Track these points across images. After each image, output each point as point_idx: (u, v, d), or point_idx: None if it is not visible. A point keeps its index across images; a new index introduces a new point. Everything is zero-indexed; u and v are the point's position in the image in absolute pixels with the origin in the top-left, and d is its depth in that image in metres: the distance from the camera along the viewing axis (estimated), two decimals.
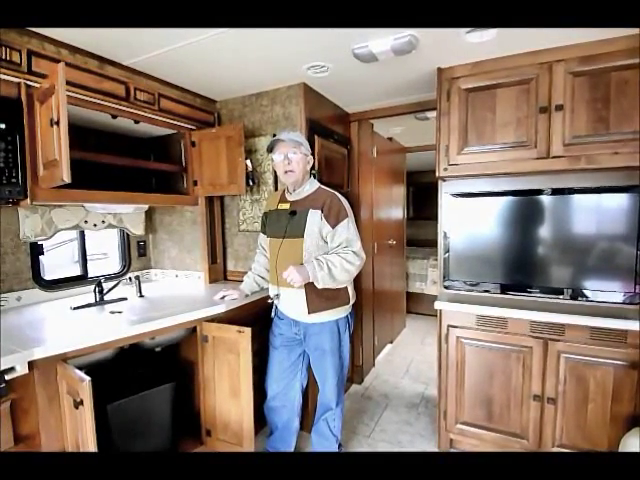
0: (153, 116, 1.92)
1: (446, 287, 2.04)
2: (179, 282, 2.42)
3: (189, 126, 2.15)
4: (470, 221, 1.99)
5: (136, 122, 1.88)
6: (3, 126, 1.34)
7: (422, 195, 5.64)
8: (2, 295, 1.71)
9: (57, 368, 1.26)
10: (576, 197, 1.76)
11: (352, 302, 1.75)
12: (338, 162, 2.53)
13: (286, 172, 1.64)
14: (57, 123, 1.24)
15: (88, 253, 2.25)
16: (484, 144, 1.86)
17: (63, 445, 1.30)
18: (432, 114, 2.66)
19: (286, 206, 1.70)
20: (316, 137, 2.20)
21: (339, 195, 1.66)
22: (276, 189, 2.21)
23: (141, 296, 1.97)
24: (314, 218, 1.59)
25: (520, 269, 1.90)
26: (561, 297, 1.79)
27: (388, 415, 2.45)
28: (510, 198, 1.90)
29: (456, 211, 2.01)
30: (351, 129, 2.78)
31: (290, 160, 1.61)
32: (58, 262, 2.70)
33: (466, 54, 1.79)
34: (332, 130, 2.46)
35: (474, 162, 1.88)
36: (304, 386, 1.87)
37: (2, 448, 1.15)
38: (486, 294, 1.95)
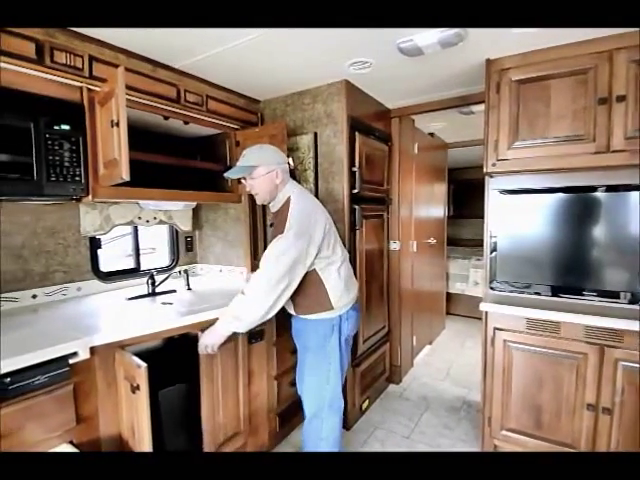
0: (201, 117, 1.99)
1: (492, 288, 1.95)
2: (223, 277, 2.50)
3: (234, 126, 2.22)
4: (519, 219, 1.90)
5: (185, 123, 1.96)
6: (68, 128, 1.45)
7: (463, 193, 5.45)
8: (65, 285, 1.85)
9: (115, 354, 1.35)
10: (633, 195, 1.62)
11: (340, 306, 1.57)
12: (378, 159, 2.50)
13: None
14: (117, 124, 1.32)
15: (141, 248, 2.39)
16: (536, 138, 1.77)
17: (119, 428, 1.39)
18: (478, 108, 2.56)
19: (272, 215, 1.64)
20: (357, 134, 2.20)
21: (297, 204, 1.48)
22: (317, 187, 2.23)
23: (189, 289, 2.06)
24: None
25: (572, 270, 1.78)
26: (618, 301, 1.66)
27: (427, 417, 2.40)
28: (561, 195, 1.78)
29: (504, 209, 1.92)
30: (392, 125, 2.74)
31: (251, 185, 1.56)
32: (111, 256, 2.87)
33: (516, 44, 1.70)
34: (373, 127, 2.43)
35: (525, 157, 1.79)
36: None
37: (65, 428, 1.24)
38: (536, 296, 1.84)
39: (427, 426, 2.30)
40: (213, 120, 2.07)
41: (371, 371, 2.51)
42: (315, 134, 2.20)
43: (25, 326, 1.44)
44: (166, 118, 1.87)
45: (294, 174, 2.20)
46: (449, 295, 4.41)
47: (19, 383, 1.12)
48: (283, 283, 1.39)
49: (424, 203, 3.26)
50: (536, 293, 1.84)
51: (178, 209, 2.31)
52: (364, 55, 1.80)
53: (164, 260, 2.54)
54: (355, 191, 2.18)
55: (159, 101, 1.77)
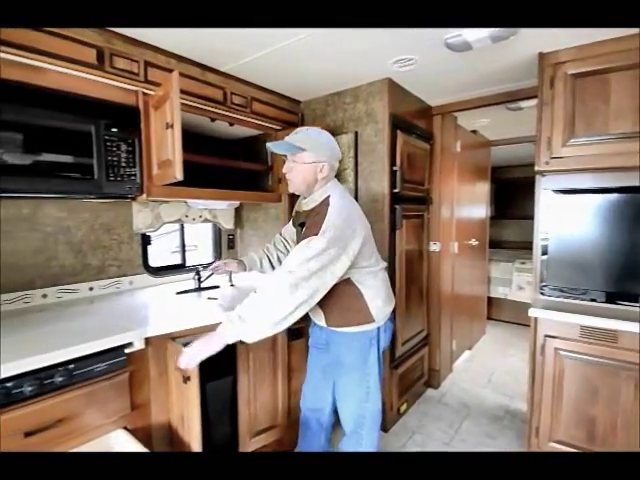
0: (246, 118, 2.05)
1: (543, 293, 1.86)
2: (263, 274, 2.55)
3: (275, 127, 2.25)
4: (572, 221, 1.79)
5: (230, 124, 2.02)
6: (125, 130, 1.53)
7: (506, 192, 5.22)
8: (118, 278, 1.96)
9: (168, 345, 1.42)
10: None
11: (381, 318, 1.46)
12: (420, 158, 2.46)
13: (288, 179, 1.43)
14: (172, 126, 1.39)
15: (176, 246, 2.50)
16: (593, 135, 1.66)
17: (169, 417, 1.46)
18: (527, 103, 2.46)
19: (302, 213, 1.48)
20: (399, 133, 2.16)
21: (337, 207, 1.31)
22: (356, 186, 2.22)
23: (232, 285, 2.12)
24: None
25: (631, 276, 1.66)
26: None
27: (468, 425, 2.32)
28: (619, 196, 1.66)
29: (557, 209, 1.82)
30: (434, 123, 2.67)
31: (290, 168, 1.39)
32: (158, 252, 3.01)
33: (572, 37, 1.61)
34: (414, 125, 2.38)
35: (580, 155, 1.69)
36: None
37: (121, 414, 1.31)
38: (591, 303, 1.73)
39: (468, 434, 2.23)
40: (257, 121, 2.11)
41: (409, 374, 2.47)
42: (355, 133, 2.20)
43: (84, 316, 1.54)
44: (213, 120, 1.94)
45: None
46: (490, 299, 4.24)
47: (82, 370, 1.21)
48: (307, 291, 1.20)
49: (466, 203, 3.15)
50: (592, 300, 1.73)
51: (222, 208, 2.39)
52: (409, 52, 1.77)
53: (206, 257, 2.63)
54: (396, 190, 2.15)
55: (207, 104, 1.83)
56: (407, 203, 2.28)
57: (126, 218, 1.97)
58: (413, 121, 2.37)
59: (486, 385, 2.86)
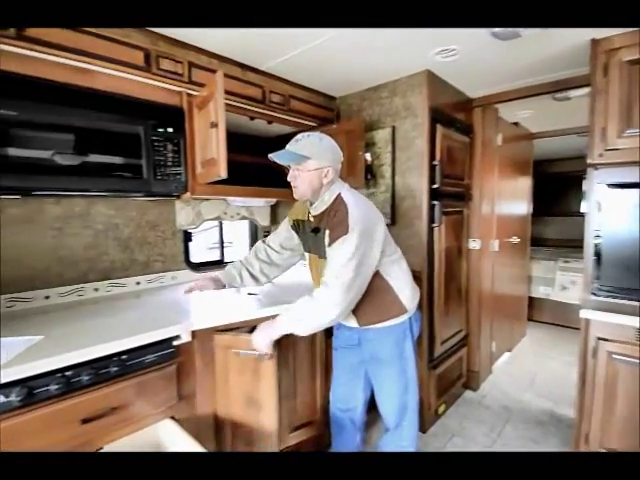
0: (284, 116, 2.07)
1: (595, 294, 1.75)
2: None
3: (312, 124, 2.26)
4: (629, 217, 1.67)
5: (269, 123, 2.05)
6: (170, 130, 1.59)
7: (548, 188, 4.96)
8: (162, 273, 2.04)
9: (214, 338, 1.47)
10: None
11: (412, 307, 1.48)
12: (460, 152, 2.38)
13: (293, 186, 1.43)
14: (216, 125, 1.42)
15: (217, 241, 2.56)
16: None
17: (214, 408, 1.50)
18: (576, 93, 2.33)
19: (312, 219, 1.47)
20: (438, 126, 2.11)
21: (352, 202, 1.32)
22: (393, 182, 2.18)
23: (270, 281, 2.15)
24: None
25: None
26: None
27: (510, 430, 2.24)
28: None
29: (611, 205, 1.70)
30: (474, 115, 2.58)
31: (294, 176, 1.39)
32: (196, 248, 3.10)
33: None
34: (454, 118, 2.31)
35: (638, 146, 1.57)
36: (368, 398, 1.67)
37: (169, 404, 1.36)
38: None
39: (510, 438, 2.15)
40: (294, 119, 2.13)
41: (448, 375, 2.41)
42: (393, 128, 2.16)
43: (133, 309, 1.61)
44: (252, 119, 1.97)
45: (371, 170, 2.21)
46: (531, 299, 4.05)
47: (134, 360, 1.26)
48: (354, 289, 1.28)
49: (507, 199, 3.02)
50: None
51: (260, 205, 2.42)
52: (452, 42, 1.71)
53: (242, 253, 2.68)
54: (435, 186, 2.10)
55: (247, 102, 1.86)
56: (446, 199, 2.22)
57: (169, 216, 2.05)
58: (453, 114, 2.30)
59: (528, 388, 2.74)
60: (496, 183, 2.75)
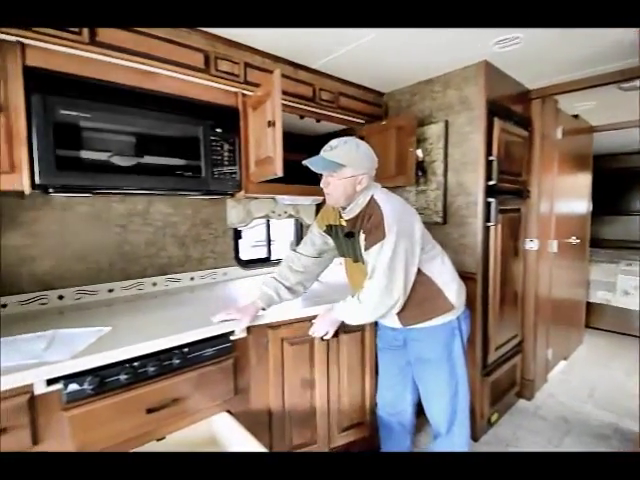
0: (333, 114, 2.05)
1: None
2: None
3: (360, 121, 2.23)
4: None
5: (318, 121, 2.04)
6: (227, 130, 1.62)
7: (609, 185, 4.59)
8: (214, 270, 2.10)
9: (268, 333, 1.49)
10: None
11: (459, 303, 1.44)
12: (517, 147, 2.25)
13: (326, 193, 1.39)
14: (273, 124, 1.43)
15: (260, 240, 2.59)
16: None
17: (267, 403, 1.52)
18: None
19: (344, 223, 1.44)
20: (495, 120, 2.00)
21: (386, 203, 1.30)
22: (445, 179, 2.10)
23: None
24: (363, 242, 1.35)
25: None
26: None
27: (570, 442, 2.09)
28: None
29: None
30: (532, 108, 2.43)
31: (327, 183, 1.35)
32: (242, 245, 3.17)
33: None
34: (512, 111, 2.19)
35: None
36: (417, 400, 1.61)
37: (225, 397, 1.39)
38: None
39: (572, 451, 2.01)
40: (343, 116, 2.11)
41: (501, 382, 2.29)
42: (446, 122, 2.08)
43: (188, 304, 1.67)
44: (302, 117, 1.97)
45: (422, 167, 2.14)
46: (588, 305, 3.78)
47: (195, 353, 1.30)
48: (398, 288, 1.27)
49: (566, 196, 2.83)
50: None
51: (306, 204, 2.43)
52: (513, 30, 1.61)
53: (284, 250, 2.69)
54: (491, 183, 1.99)
55: (298, 101, 1.87)
56: (503, 196, 2.10)
57: (221, 214, 2.10)
58: (510, 106, 2.18)
59: (587, 399, 2.55)
60: (555, 179, 2.58)
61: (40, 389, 1.01)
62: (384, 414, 1.65)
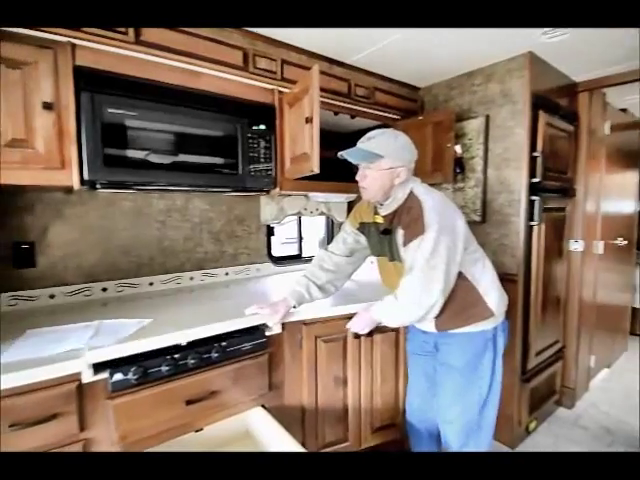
0: (367, 110, 2.02)
1: None
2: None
3: (395, 116, 2.18)
4: None
5: (352, 117, 2.01)
6: (263, 128, 1.62)
7: None
8: (247, 266, 2.12)
9: (303, 329, 1.49)
10: None
11: (499, 312, 1.33)
12: (563, 142, 2.14)
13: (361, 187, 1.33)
14: (310, 120, 1.42)
15: (291, 237, 2.60)
16: None
17: (301, 399, 1.52)
18: None
19: (380, 220, 1.37)
20: (540, 114, 1.90)
21: (426, 196, 1.23)
22: (485, 176, 2.02)
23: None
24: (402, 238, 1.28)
25: None
26: None
27: None
28: None
29: None
30: (579, 101, 2.29)
31: (364, 176, 1.29)
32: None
33: None
34: (557, 104, 2.07)
35: None
36: None
37: (260, 392, 1.40)
38: None
39: None
40: (378, 112, 2.07)
41: (540, 389, 2.19)
42: (486, 117, 2.00)
43: (223, 298, 1.70)
44: (336, 114, 1.95)
45: (460, 163, 2.07)
46: (634, 311, 3.55)
47: (232, 347, 1.32)
48: (438, 288, 1.17)
49: (613, 195, 2.66)
50: None
51: (338, 201, 2.41)
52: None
53: (313, 248, 2.70)
54: (535, 180, 1.90)
55: (333, 97, 1.85)
56: (547, 194, 2.00)
57: (255, 210, 2.12)
58: (556, 99, 2.06)
59: (632, 410, 2.40)
60: (602, 177, 2.43)
61: (87, 377, 1.05)
62: (413, 420, 1.59)
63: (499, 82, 1.95)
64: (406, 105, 2.22)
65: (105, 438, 1.10)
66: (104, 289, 1.67)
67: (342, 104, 1.91)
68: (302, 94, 1.49)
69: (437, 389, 1.43)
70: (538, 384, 2.14)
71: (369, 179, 1.27)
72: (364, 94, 1.98)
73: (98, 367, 1.07)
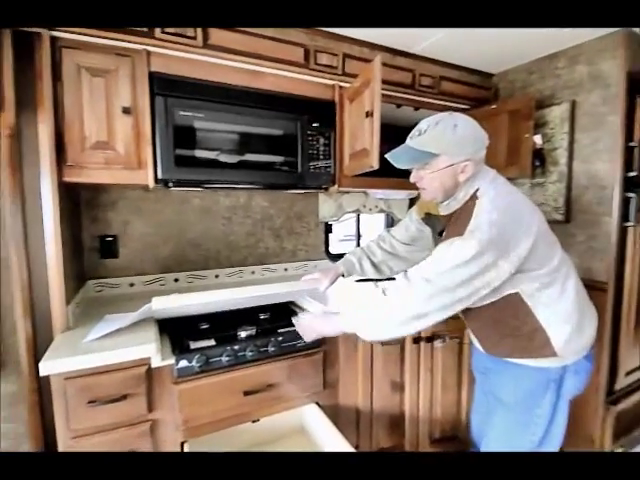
0: (433, 100, 1.91)
1: None
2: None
3: (464, 106, 2.03)
4: None
5: (416, 109, 1.92)
6: (323, 124, 1.61)
7: None
8: (305, 262, 2.14)
9: None
10: None
11: (569, 353, 1.05)
12: None
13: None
14: (371, 114, 1.38)
15: (349, 234, 2.56)
16: None
17: (355, 400, 1.50)
18: None
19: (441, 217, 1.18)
20: (638, 99, 1.63)
21: (489, 199, 0.99)
22: (569, 169, 1.79)
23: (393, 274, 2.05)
24: None
25: None
26: None
27: None
28: None
29: None
30: None
31: (419, 177, 1.08)
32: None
33: None
34: None
35: None
36: None
37: (314, 390, 1.40)
38: None
39: None
40: (445, 102, 1.95)
41: (630, 413, 1.90)
42: (572, 103, 1.76)
43: None
44: (398, 106, 1.87)
45: (540, 155, 1.87)
46: None
47: (288, 343, 1.34)
48: (445, 299, 0.95)
49: None
50: None
51: (399, 198, 2.33)
52: None
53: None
54: (632, 174, 1.64)
55: (395, 89, 1.78)
56: None
57: (314, 207, 2.13)
58: None
59: None
60: None
61: (156, 362, 1.14)
62: (474, 437, 1.45)
63: (587, 64, 1.71)
64: (477, 93, 2.06)
65: (170, 421, 1.18)
66: (176, 279, 1.79)
67: (405, 96, 1.82)
68: (363, 87, 1.45)
69: (487, 417, 1.24)
70: (627, 407, 1.86)
71: (426, 180, 1.07)
72: (429, 84, 1.87)
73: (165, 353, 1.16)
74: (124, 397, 1.09)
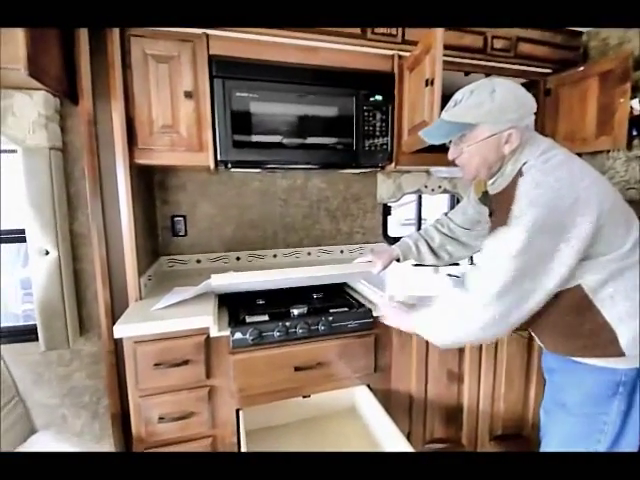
0: (507, 65, 1.71)
1: None
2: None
3: (544, 70, 1.79)
4: None
5: (487, 75, 1.73)
6: (380, 98, 1.53)
7: None
8: (362, 245, 2.10)
9: None
10: None
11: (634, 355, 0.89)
12: None
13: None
14: (432, 82, 1.27)
15: (410, 218, 2.43)
16: None
17: (408, 386, 1.45)
18: None
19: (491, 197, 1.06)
20: None
21: (536, 175, 0.85)
22: None
23: (472, 264, 1.90)
24: None
25: None
26: None
27: None
28: None
29: None
30: None
31: (458, 152, 0.98)
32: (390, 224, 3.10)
33: None
34: None
35: None
36: None
37: (365, 372, 1.38)
38: None
39: None
40: (522, 67, 1.73)
41: None
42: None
43: None
44: (467, 74, 1.70)
45: (638, 123, 1.59)
46: None
47: (338, 323, 1.33)
48: (513, 296, 0.86)
49: None
50: None
51: None
52: None
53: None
54: None
55: (463, 55, 1.62)
56: None
57: (371, 189, 2.06)
58: None
59: None
60: None
61: (214, 333, 1.21)
62: (541, 436, 1.32)
63: None
64: (561, 55, 1.79)
65: (226, 388, 1.25)
66: (238, 258, 1.88)
67: (475, 62, 1.65)
68: (423, 55, 1.34)
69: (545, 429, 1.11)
70: None
71: (465, 156, 0.98)
72: (504, 46, 1.66)
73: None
74: (185, 362, 1.18)
